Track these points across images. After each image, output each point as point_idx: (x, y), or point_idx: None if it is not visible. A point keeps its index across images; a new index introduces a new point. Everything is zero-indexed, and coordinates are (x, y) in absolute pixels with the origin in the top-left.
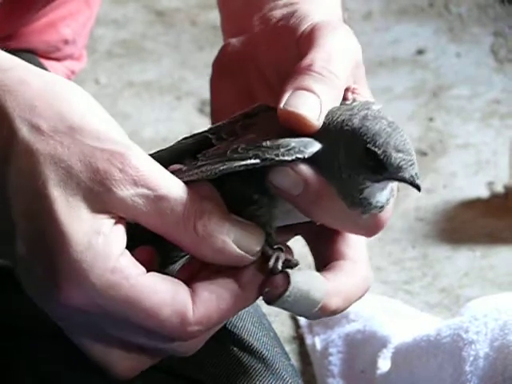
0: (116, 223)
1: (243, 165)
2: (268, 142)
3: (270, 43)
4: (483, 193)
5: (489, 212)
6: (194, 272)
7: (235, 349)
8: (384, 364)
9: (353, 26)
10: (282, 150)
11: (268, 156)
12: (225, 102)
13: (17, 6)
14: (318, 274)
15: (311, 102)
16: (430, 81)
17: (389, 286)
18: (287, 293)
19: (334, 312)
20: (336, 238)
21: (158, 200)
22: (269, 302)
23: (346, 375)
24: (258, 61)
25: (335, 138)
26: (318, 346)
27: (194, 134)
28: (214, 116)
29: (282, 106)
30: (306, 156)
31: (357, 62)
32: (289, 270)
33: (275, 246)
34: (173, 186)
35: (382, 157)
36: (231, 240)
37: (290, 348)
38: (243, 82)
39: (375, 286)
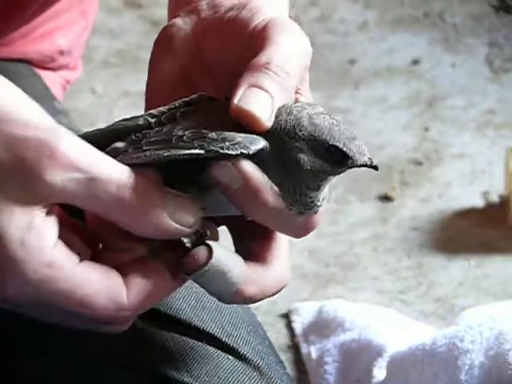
0: (48, 213)
1: (187, 154)
2: (214, 134)
3: (217, 33)
4: (478, 202)
5: (484, 222)
6: (124, 258)
7: (230, 357)
8: (379, 373)
9: (348, 35)
10: (227, 143)
11: (213, 148)
12: (162, 82)
13: (11, 5)
14: (240, 258)
15: (265, 102)
16: (425, 91)
17: (384, 296)
18: (206, 267)
19: (248, 300)
20: (261, 235)
21: (89, 182)
22: (186, 273)
23: None
24: (203, 47)
25: (283, 139)
26: (314, 354)
27: (133, 117)
28: (148, 95)
29: (236, 101)
30: (251, 152)
31: (307, 64)
32: (212, 244)
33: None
34: (104, 167)
35: (344, 149)
36: (167, 214)
37: (286, 357)
38: (184, 64)
39: (370, 296)
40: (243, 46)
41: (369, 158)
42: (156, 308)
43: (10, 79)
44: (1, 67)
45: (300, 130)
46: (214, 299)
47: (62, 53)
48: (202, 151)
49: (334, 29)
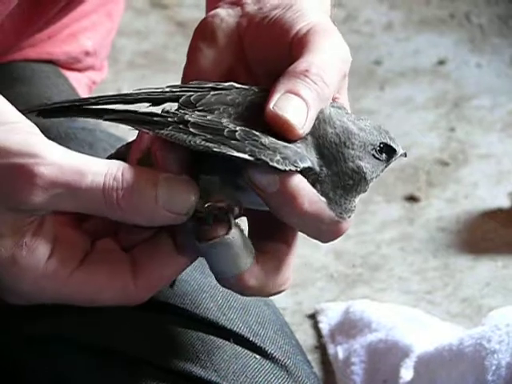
0: (39, 225)
1: (236, 156)
2: (267, 141)
3: (260, 31)
4: (505, 203)
5: (510, 222)
6: (133, 238)
7: (257, 356)
8: (407, 373)
9: (374, 36)
10: (278, 156)
11: (263, 158)
12: (200, 72)
13: (35, 6)
14: (253, 249)
15: (300, 109)
16: (451, 91)
17: (410, 296)
18: (222, 239)
19: (244, 290)
20: (279, 236)
21: (72, 194)
22: (199, 240)
23: None
24: (244, 42)
25: (333, 148)
26: (341, 355)
27: (159, 88)
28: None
29: (271, 106)
30: (299, 170)
31: (345, 73)
32: (232, 220)
33: (207, 205)
34: (86, 175)
35: (392, 144)
36: (160, 205)
37: (312, 357)
38: (226, 56)
39: (397, 296)
40: (284, 48)
41: (402, 148)
42: (183, 307)
43: (37, 80)
44: (27, 68)
45: (355, 139)
46: (241, 299)
47: (88, 54)
48: (251, 158)
49: (359, 30)
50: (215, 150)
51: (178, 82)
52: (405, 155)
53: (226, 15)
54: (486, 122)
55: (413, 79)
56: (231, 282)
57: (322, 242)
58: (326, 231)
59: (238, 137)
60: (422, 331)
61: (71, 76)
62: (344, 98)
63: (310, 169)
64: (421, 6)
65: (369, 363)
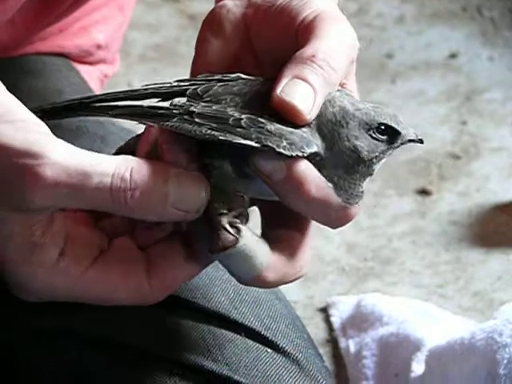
0: (49, 223)
1: (242, 143)
2: (272, 127)
3: (266, 20)
4: None
5: None
6: (150, 236)
7: (269, 350)
8: (418, 367)
9: (385, 29)
10: (284, 142)
11: (269, 144)
12: (209, 64)
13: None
14: (266, 244)
15: (307, 95)
16: (463, 84)
17: (422, 290)
18: (232, 249)
19: (267, 285)
20: (292, 225)
21: (80, 194)
22: (211, 252)
23: (379, 378)
24: (251, 32)
25: (334, 130)
26: (352, 348)
27: (166, 83)
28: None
29: (278, 92)
30: (305, 155)
31: (353, 59)
32: (241, 227)
33: (222, 209)
34: (93, 174)
35: (394, 125)
36: (169, 204)
37: (324, 351)
38: (233, 49)
39: (408, 290)
40: (290, 36)
41: (414, 133)
42: (194, 301)
43: (48, 73)
44: (39, 61)
45: (350, 118)
46: (253, 293)
47: (99, 47)
48: (257, 145)
49: (371, 23)
50: (221, 138)
51: (189, 75)
52: (420, 141)
53: (233, 6)
54: (497, 116)
55: (424, 72)
56: (251, 281)
57: (332, 227)
58: (334, 217)
59: (243, 124)
60: (434, 325)
61: (83, 69)
62: (352, 84)
63: (315, 154)
64: None
65: (380, 357)
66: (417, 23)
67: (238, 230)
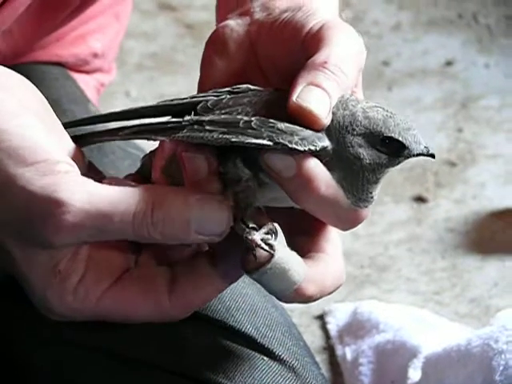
0: (75, 251)
1: (254, 143)
2: (283, 126)
3: (271, 34)
4: None
5: None
6: (176, 254)
7: (265, 358)
8: (414, 374)
9: (382, 37)
10: (296, 137)
11: (281, 141)
12: (215, 84)
13: (46, 9)
14: (299, 256)
15: (323, 100)
16: (459, 92)
17: (418, 297)
18: (268, 265)
19: (307, 299)
20: (315, 231)
21: (103, 233)
22: (247, 271)
23: None
24: (256, 48)
25: (342, 134)
26: (349, 356)
27: (176, 99)
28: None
29: (294, 98)
30: (318, 149)
31: (361, 66)
32: (274, 243)
33: (250, 226)
34: (114, 216)
35: (400, 139)
36: (193, 231)
37: (321, 358)
38: (238, 66)
39: (405, 297)
40: (297, 47)
41: (425, 147)
42: None
43: (45, 82)
44: (36, 70)
45: (356, 125)
46: (249, 300)
47: (96, 56)
48: (270, 142)
49: (367, 30)
50: (233, 140)
51: (186, 84)
52: (432, 156)
53: (236, 24)
54: (493, 123)
55: (421, 80)
56: (291, 297)
57: (342, 229)
58: (344, 218)
59: (254, 126)
60: (430, 332)
61: (79, 78)
62: (360, 92)
63: (326, 152)
64: (429, 6)
65: (377, 364)
66: (413, 31)
67: (271, 246)
